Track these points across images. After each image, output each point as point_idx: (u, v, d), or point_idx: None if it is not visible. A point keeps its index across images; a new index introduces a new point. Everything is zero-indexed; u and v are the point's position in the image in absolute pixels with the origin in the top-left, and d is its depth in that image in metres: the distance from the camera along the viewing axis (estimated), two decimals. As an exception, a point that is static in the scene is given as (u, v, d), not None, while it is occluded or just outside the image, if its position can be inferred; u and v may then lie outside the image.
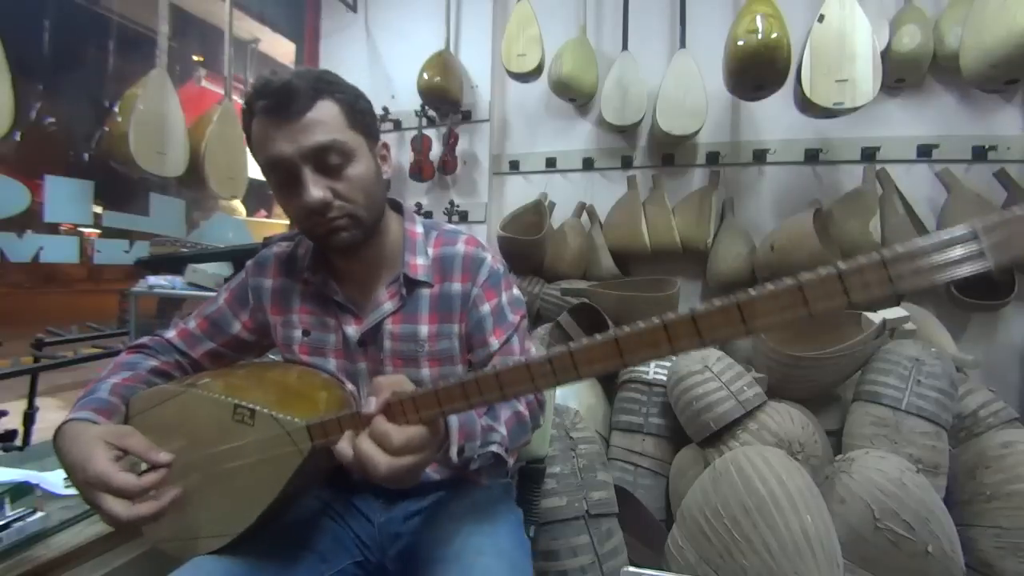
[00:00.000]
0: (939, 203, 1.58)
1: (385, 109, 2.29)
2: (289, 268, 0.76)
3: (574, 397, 1.39)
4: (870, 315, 1.25)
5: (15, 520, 0.77)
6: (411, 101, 2.16)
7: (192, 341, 0.77)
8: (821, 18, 1.45)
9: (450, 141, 2.16)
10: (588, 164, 2.06)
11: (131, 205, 1.91)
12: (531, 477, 0.88)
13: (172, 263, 1.85)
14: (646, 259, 1.86)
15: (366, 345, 0.72)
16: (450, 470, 0.60)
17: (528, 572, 0.65)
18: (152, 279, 1.82)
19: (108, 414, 0.61)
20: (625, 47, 1.87)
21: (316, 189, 0.61)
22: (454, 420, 0.55)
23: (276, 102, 0.60)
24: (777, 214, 1.83)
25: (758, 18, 1.44)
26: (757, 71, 1.49)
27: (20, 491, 0.82)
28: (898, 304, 1.40)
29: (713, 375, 1.18)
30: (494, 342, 0.71)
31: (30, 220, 1.70)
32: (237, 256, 1.76)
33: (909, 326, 1.26)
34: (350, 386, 0.72)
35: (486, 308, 0.72)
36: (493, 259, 0.75)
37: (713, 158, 1.89)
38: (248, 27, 3.10)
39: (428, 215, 2.27)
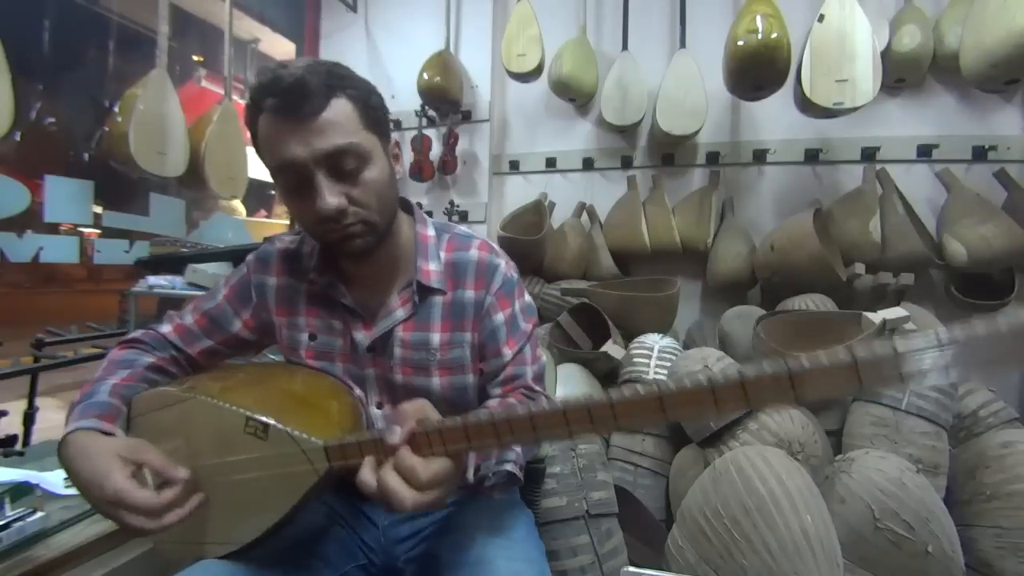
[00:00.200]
0: (939, 203, 1.57)
1: (385, 109, 2.29)
2: (294, 266, 0.73)
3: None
4: (870, 315, 1.25)
5: (15, 520, 0.77)
6: (411, 101, 2.16)
7: (189, 338, 0.74)
8: (821, 18, 1.45)
9: (450, 141, 2.16)
10: (588, 164, 2.06)
11: (131, 205, 1.91)
12: (531, 477, 0.88)
13: (172, 263, 1.85)
14: (646, 259, 1.86)
15: (375, 351, 0.70)
16: (464, 489, 0.59)
17: (548, 574, 0.64)
18: (152, 279, 1.82)
19: (112, 418, 0.59)
20: (625, 47, 1.87)
21: (331, 196, 0.58)
22: None
23: (287, 101, 0.56)
24: (777, 214, 1.83)
25: (758, 18, 1.44)
26: (757, 71, 1.49)
27: (20, 491, 0.82)
28: (898, 304, 1.40)
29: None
30: (507, 352, 0.70)
31: (30, 220, 1.70)
32: (237, 256, 1.76)
33: (909, 326, 1.26)
34: (358, 391, 0.71)
35: (500, 317, 0.70)
36: (507, 265, 0.73)
37: (713, 158, 1.89)
38: (248, 27, 3.11)
39: (428, 215, 2.27)
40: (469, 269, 0.71)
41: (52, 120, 3.90)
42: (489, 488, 0.59)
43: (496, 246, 0.75)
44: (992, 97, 1.59)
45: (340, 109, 0.58)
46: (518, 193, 2.16)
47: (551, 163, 2.11)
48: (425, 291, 0.69)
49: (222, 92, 2.01)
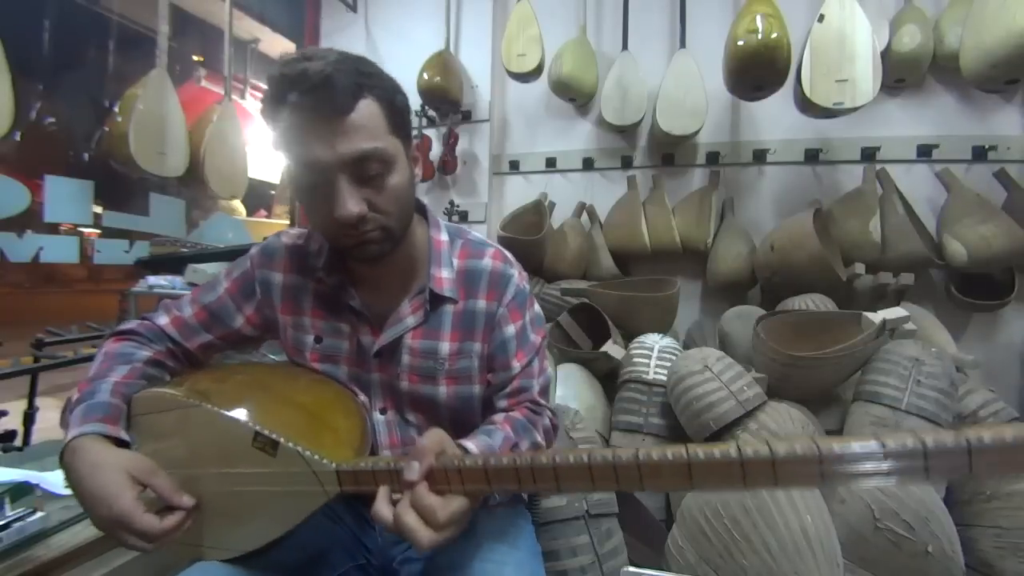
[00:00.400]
0: (939, 203, 1.58)
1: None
2: (301, 264, 0.71)
3: (574, 397, 1.39)
4: (870, 315, 1.25)
5: (15, 520, 0.77)
6: (411, 101, 2.15)
7: (187, 331, 0.71)
8: (821, 18, 1.45)
9: (450, 141, 2.16)
10: (588, 164, 2.06)
11: (131, 205, 1.91)
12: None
13: (172, 263, 1.85)
14: (646, 259, 1.86)
15: (382, 356, 0.68)
16: None
17: None
18: (152, 279, 1.82)
19: (115, 420, 0.58)
20: (625, 47, 1.87)
21: (353, 203, 0.56)
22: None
23: (314, 99, 0.53)
24: (777, 214, 1.83)
25: (758, 18, 1.44)
26: (757, 71, 1.49)
27: (20, 491, 0.82)
28: (898, 304, 1.40)
29: (713, 375, 1.18)
30: (516, 365, 0.70)
31: (30, 220, 1.70)
32: (237, 256, 1.76)
33: (909, 326, 1.26)
34: (362, 397, 0.70)
35: (511, 330, 0.70)
36: (519, 276, 0.72)
37: (713, 158, 1.89)
38: (248, 27, 3.11)
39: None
40: (482, 278, 0.69)
41: (52, 120, 3.90)
42: (494, 504, 0.59)
43: (509, 254, 0.74)
44: (992, 97, 1.59)
45: (367, 111, 0.56)
46: (518, 193, 2.16)
47: (551, 163, 2.11)
48: (437, 299, 0.68)
49: (222, 92, 2.01)
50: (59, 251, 1.68)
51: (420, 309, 0.67)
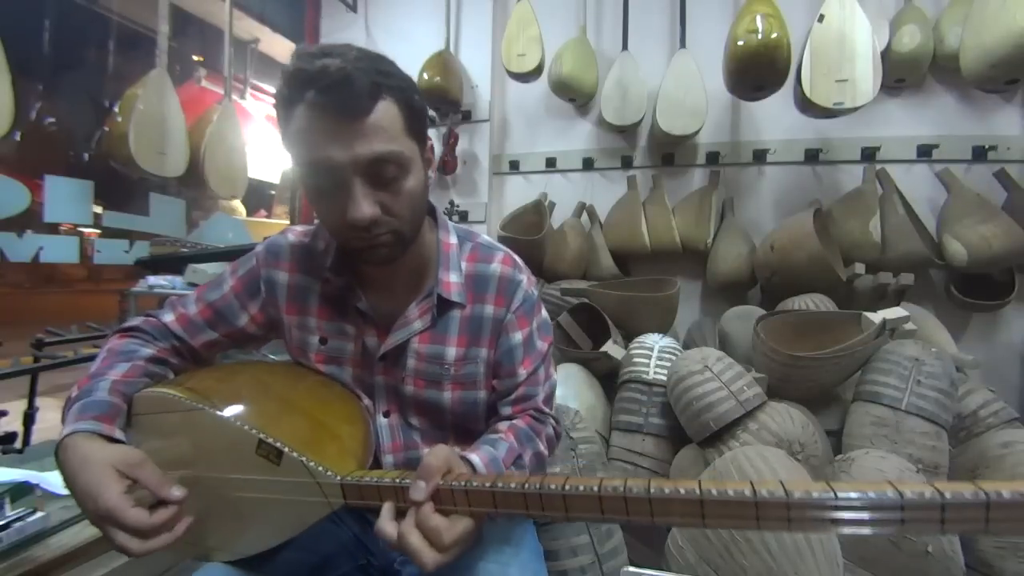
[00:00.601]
0: (939, 203, 1.57)
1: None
2: (307, 263, 0.70)
3: (574, 397, 1.39)
4: (870, 315, 1.25)
5: (15, 520, 0.77)
6: (411, 101, 2.15)
7: (192, 329, 0.71)
8: (821, 18, 1.45)
9: (450, 141, 2.16)
10: (588, 164, 2.06)
11: (131, 205, 1.91)
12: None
13: (172, 263, 1.85)
14: (646, 259, 1.86)
15: (387, 360, 0.68)
16: None
17: None
18: (152, 279, 1.82)
19: (111, 419, 0.57)
20: (625, 47, 1.87)
21: (367, 206, 0.55)
22: (483, 471, 0.55)
23: (331, 98, 0.52)
24: (777, 214, 1.83)
25: (758, 18, 1.44)
26: (757, 71, 1.49)
27: (20, 491, 0.82)
28: (898, 304, 1.40)
29: (713, 375, 1.18)
30: (522, 372, 0.69)
31: (30, 220, 1.70)
32: (237, 256, 1.76)
33: (909, 326, 1.26)
34: (366, 400, 0.70)
35: (518, 337, 0.69)
36: (528, 281, 0.71)
37: (713, 158, 1.89)
38: (248, 27, 3.10)
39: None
40: (491, 284, 0.69)
41: (52, 120, 3.90)
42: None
43: (518, 259, 0.73)
44: (992, 97, 1.59)
45: (385, 112, 0.55)
46: (518, 193, 2.16)
47: (551, 163, 2.11)
48: (445, 304, 0.67)
49: (222, 92, 2.01)
50: (59, 251, 1.68)
51: (427, 313, 0.67)
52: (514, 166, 2.18)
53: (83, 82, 3.86)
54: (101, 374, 0.61)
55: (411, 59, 2.08)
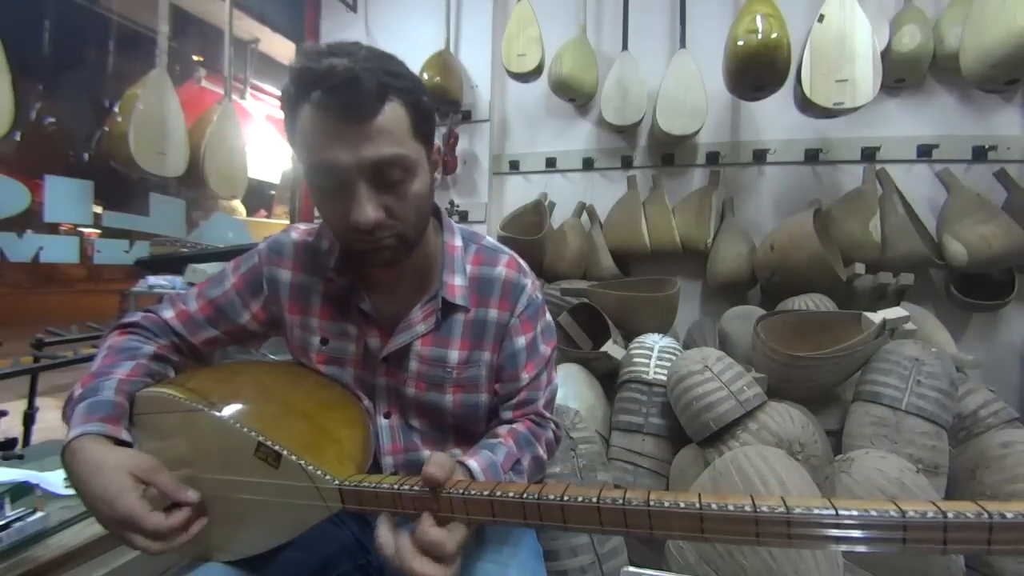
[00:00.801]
0: (939, 203, 1.57)
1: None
2: (311, 262, 0.69)
3: (574, 397, 1.39)
4: (870, 315, 1.25)
5: (15, 520, 0.77)
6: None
7: (193, 326, 0.70)
8: (821, 18, 1.45)
9: (450, 141, 2.16)
10: (588, 164, 2.06)
11: (131, 205, 1.91)
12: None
13: (172, 263, 1.85)
14: (646, 259, 1.86)
15: (389, 361, 0.68)
16: None
17: None
18: (152, 279, 1.82)
19: (117, 419, 0.57)
20: (625, 47, 1.87)
21: (372, 209, 0.54)
22: (481, 477, 0.55)
23: (338, 99, 0.51)
24: (777, 214, 1.83)
25: (758, 18, 1.44)
26: (757, 71, 1.49)
27: (20, 491, 0.82)
28: (898, 304, 1.40)
29: (713, 375, 1.18)
30: (525, 377, 0.69)
31: (30, 220, 1.70)
32: (236, 256, 1.76)
33: (909, 326, 1.26)
34: (366, 401, 0.70)
35: (521, 341, 0.69)
36: (532, 285, 0.71)
37: (713, 158, 1.89)
38: (248, 27, 3.10)
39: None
40: (495, 287, 0.69)
41: (52, 120, 3.90)
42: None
43: (523, 263, 0.73)
44: (992, 97, 1.59)
45: (393, 115, 0.54)
46: (518, 193, 2.16)
47: (551, 163, 2.11)
48: (448, 307, 0.67)
49: (222, 92, 2.01)
50: (59, 251, 1.68)
51: (431, 316, 0.66)
52: (514, 166, 2.18)
53: (83, 82, 3.86)
54: (106, 373, 0.61)
55: (411, 59, 2.05)
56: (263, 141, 4.12)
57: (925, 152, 1.65)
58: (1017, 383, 1.60)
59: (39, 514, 0.80)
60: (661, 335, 1.46)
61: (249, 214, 4.22)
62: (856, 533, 0.35)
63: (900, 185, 1.60)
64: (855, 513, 0.35)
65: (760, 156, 1.83)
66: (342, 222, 0.57)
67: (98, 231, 2.03)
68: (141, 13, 3.35)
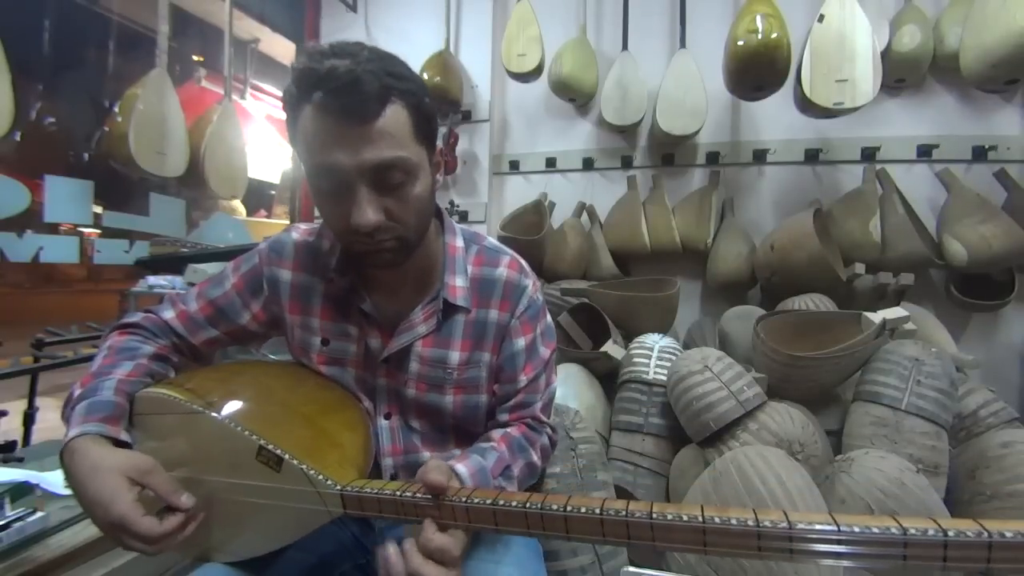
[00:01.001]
0: (939, 203, 1.57)
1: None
2: (312, 263, 0.69)
3: (574, 397, 1.39)
4: (870, 315, 1.25)
5: (15, 520, 0.77)
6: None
7: (193, 326, 0.70)
8: (821, 18, 1.45)
9: (450, 141, 2.16)
10: (588, 164, 2.06)
11: (131, 205, 1.91)
12: (531, 477, 0.88)
13: (172, 263, 1.85)
14: (646, 259, 1.86)
15: (389, 362, 0.68)
16: None
17: None
18: (152, 279, 1.82)
19: (116, 420, 0.57)
20: (625, 47, 1.87)
21: (372, 211, 0.54)
22: (468, 482, 0.55)
23: (340, 101, 0.51)
24: (777, 214, 1.83)
25: (758, 18, 1.44)
26: (757, 71, 1.49)
27: (20, 491, 0.82)
28: (898, 304, 1.40)
29: (713, 375, 1.18)
30: (523, 379, 0.69)
31: (30, 220, 1.70)
32: (236, 256, 1.76)
33: (909, 326, 1.26)
34: (367, 402, 0.70)
35: (521, 343, 0.69)
36: (533, 286, 0.71)
37: (713, 158, 1.89)
38: (248, 27, 3.11)
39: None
40: (496, 288, 0.69)
41: (52, 120, 3.90)
42: None
43: (525, 264, 0.73)
44: (992, 97, 1.59)
45: (394, 117, 0.54)
46: (518, 193, 2.16)
47: (551, 163, 2.11)
48: (450, 308, 0.67)
49: (222, 92, 2.01)
50: (59, 251, 1.68)
51: (432, 317, 0.66)
52: (514, 166, 2.18)
53: (83, 82, 3.86)
54: (105, 373, 0.60)
55: (411, 59, 2.03)
56: (263, 141, 4.13)
57: (925, 152, 1.65)
58: (1017, 383, 1.60)
59: (39, 514, 0.80)
60: (661, 335, 1.46)
61: (249, 214, 4.22)
62: (857, 549, 0.35)
63: (900, 185, 1.60)
64: (857, 529, 0.35)
65: (760, 156, 1.83)
66: (342, 224, 0.57)
67: (98, 231, 2.03)
68: (141, 13, 3.35)
